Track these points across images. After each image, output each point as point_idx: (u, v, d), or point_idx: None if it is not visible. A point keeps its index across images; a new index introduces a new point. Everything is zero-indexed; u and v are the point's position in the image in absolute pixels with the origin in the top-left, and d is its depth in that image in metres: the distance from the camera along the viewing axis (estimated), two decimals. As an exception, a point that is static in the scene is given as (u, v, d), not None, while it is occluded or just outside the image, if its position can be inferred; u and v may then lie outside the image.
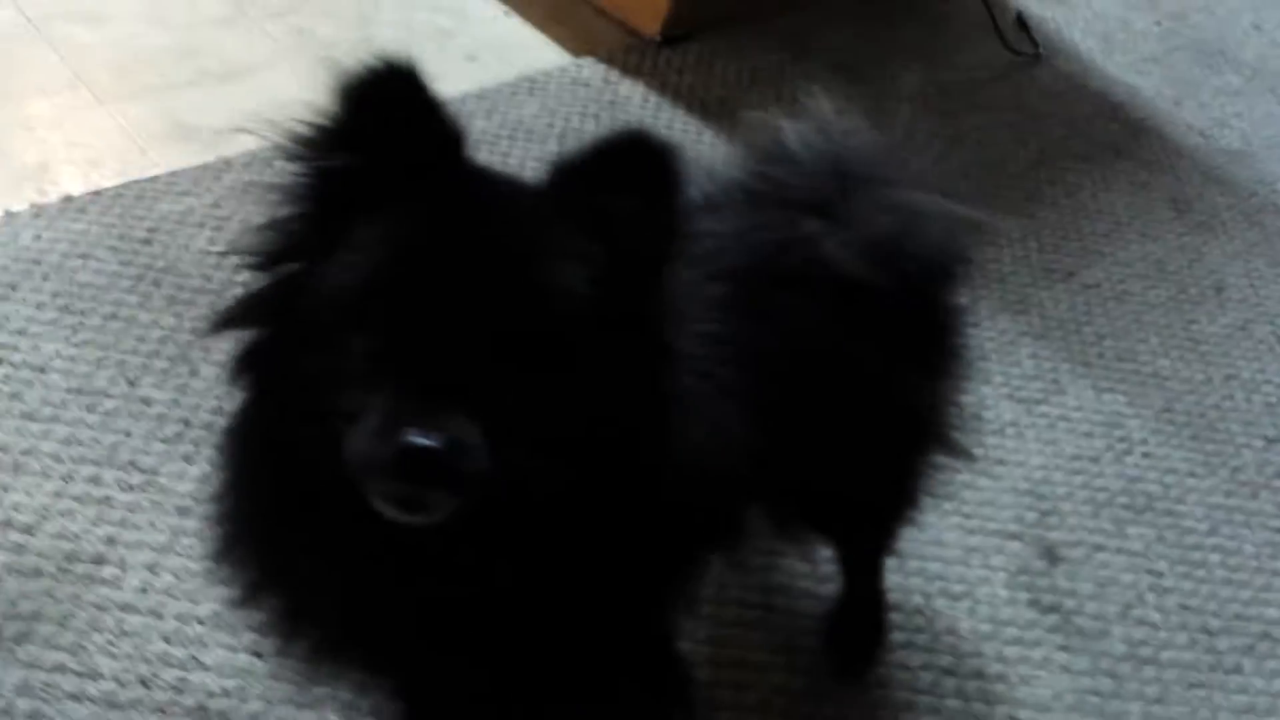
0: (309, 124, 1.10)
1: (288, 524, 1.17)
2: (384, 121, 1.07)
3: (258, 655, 1.75)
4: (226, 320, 1.15)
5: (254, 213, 1.14)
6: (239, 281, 1.16)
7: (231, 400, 1.22)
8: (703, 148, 2.94)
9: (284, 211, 1.11)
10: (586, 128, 3.00)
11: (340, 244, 1.06)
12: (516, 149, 2.84)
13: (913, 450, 1.69)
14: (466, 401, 1.01)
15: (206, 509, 1.26)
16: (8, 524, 1.86)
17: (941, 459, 1.76)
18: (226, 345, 2.21)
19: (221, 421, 1.29)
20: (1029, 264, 2.87)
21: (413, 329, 1.02)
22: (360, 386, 1.02)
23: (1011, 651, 2.00)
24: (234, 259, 1.12)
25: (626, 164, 1.07)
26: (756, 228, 1.41)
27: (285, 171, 1.11)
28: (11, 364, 2.12)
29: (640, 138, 1.07)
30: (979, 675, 1.95)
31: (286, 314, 1.10)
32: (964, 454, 1.78)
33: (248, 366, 1.16)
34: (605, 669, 1.34)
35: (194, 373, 2.17)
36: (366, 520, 1.05)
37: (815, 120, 1.53)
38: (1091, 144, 3.33)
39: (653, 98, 3.16)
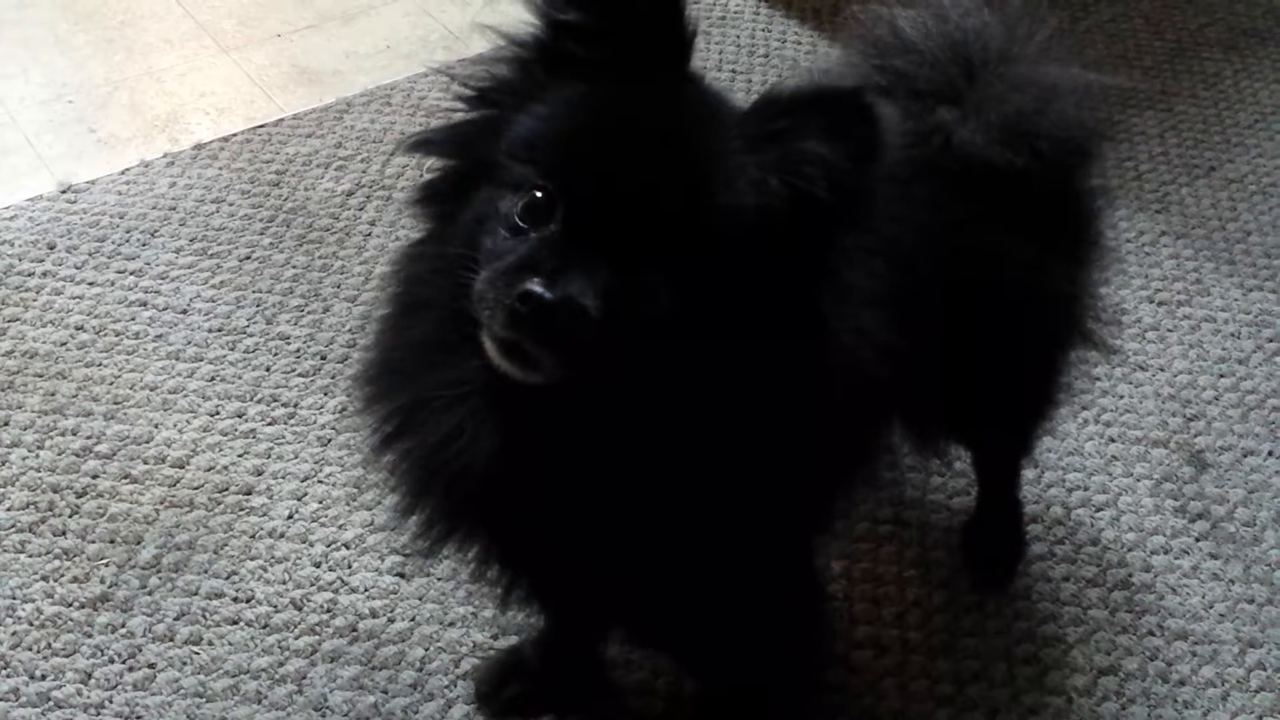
0: None
1: (426, 358, 1.18)
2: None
3: (402, 576, 1.81)
4: (423, 143, 1.20)
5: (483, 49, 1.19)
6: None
7: (412, 228, 1.27)
8: (817, 59, 2.88)
9: (506, 52, 1.15)
10: (698, 45, 2.95)
11: (540, 98, 1.10)
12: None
13: (1056, 343, 1.65)
14: (600, 272, 1.02)
15: (362, 347, 1.27)
16: (161, 459, 1.95)
17: (1082, 353, 1.71)
18: (355, 281, 2.29)
19: (356, 355, 1.31)
20: (1167, 160, 2.75)
21: (575, 190, 1.04)
22: (512, 231, 1.06)
23: (1158, 561, 1.95)
24: (454, 87, 1.17)
25: (840, 118, 1.05)
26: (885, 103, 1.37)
27: (519, 21, 1.14)
28: (155, 307, 2.21)
29: (862, 98, 1.06)
30: (1125, 585, 1.91)
31: (472, 152, 1.15)
32: (1105, 348, 1.73)
33: (428, 197, 1.20)
34: (746, 586, 1.34)
35: (327, 308, 2.23)
36: (486, 370, 1.08)
37: (930, 6, 1.48)
38: (1233, 31, 3.16)
39: (763, 9, 3.10)
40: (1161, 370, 2.26)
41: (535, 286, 0.99)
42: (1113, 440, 2.12)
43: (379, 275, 2.23)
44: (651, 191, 1.04)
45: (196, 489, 1.92)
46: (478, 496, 1.18)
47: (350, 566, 1.83)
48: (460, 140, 1.17)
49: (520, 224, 1.06)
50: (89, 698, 1.65)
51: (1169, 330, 2.34)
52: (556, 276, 1.01)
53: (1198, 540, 1.98)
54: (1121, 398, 2.20)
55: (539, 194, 1.06)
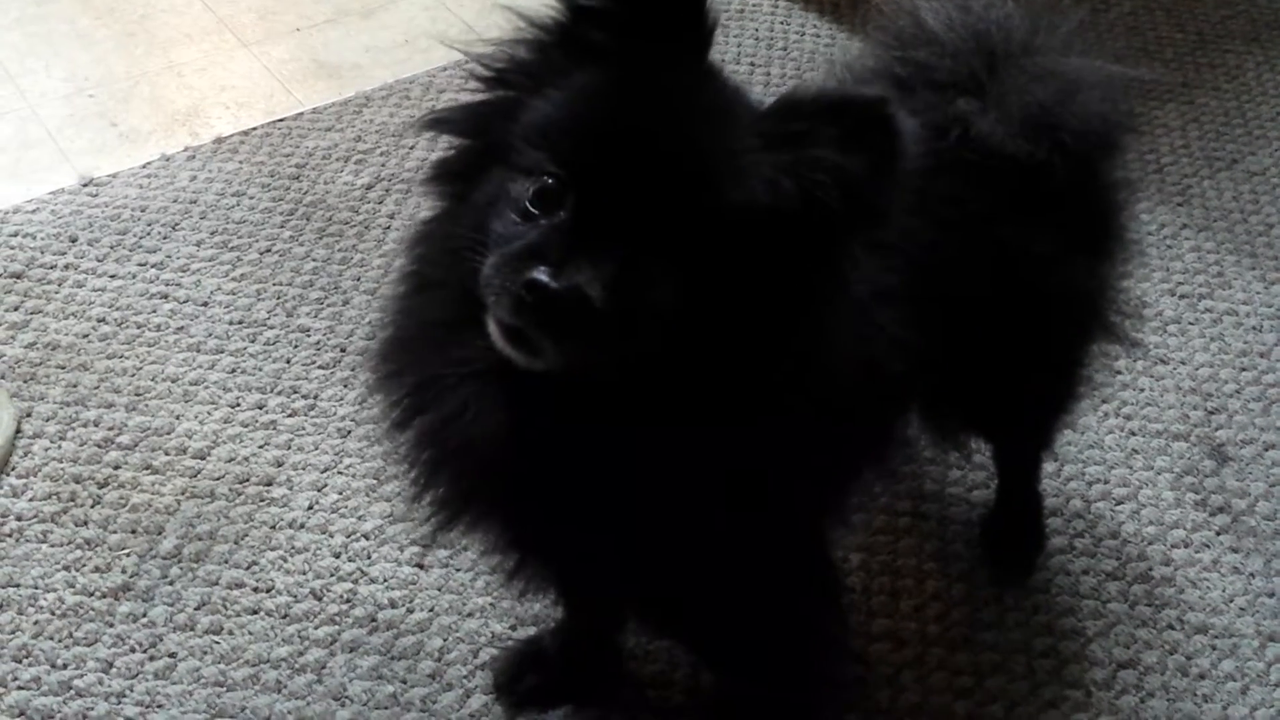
0: None
1: (435, 337, 1.19)
2: None
3: (421, 567, 1.82)
4: (439, 121, 1.19)
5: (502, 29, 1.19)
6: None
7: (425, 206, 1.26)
8: (834, 52, 2.87)
9: (525, 35, 1.14)
10: (716, 38, 2.96)
11: (558, 84, 1.10)
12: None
13: (1077, 337, 1.64)
14: (607, 262, 1.02)
15: (375, 326, 1.25)
16: (182, 450, 1.96)
17: (1104, 347, 1.70)
18: (375, 274, 2.30)
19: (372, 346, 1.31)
20: (1189, 153, 2.73)
21: (588, 179, 1.04)
22: (523, 216, 1.06)
23: (1179, 554, 1.94)
24: (470, 65, 1.16)
25: (859, 128, 1.05)
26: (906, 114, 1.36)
27: (540, 4, 1.14)
28: (177, 299, 2.22)
29: (886, 109, 1.05)
30: (1145, 579, 1.90)
31: (487, 133, 1.14)
32: (1128, 341, 1.73)
33: (441, 176, 1.20)
34: (758, 576, 1.34)
35: (347, 301, 2.24)
36: (491, 352, 1.08)
37: None
38: (1255, 23, 3.14)
39: (782, 3, 3.09)
40: (1183, 363, 2.25)
41: (541, 275, 1.00)
42: (1133, 434, 2.11)
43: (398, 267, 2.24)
44: (663, 185, 1.04)
45: (217, 480, 1.93)
46: (482, 476, 1.19)
47: (370, 557, 1.83)
48: (476, 120, 1.17)
49: (531, 209, 1.06)
50: (110, 686, 1.66)
51: (1190, 323, 2.33)
52: (563, 265, 1.01)
53: (1218, 534, 1.97)
54: (1142, 391, 2.19)
55: (551, 181, 1.06)
